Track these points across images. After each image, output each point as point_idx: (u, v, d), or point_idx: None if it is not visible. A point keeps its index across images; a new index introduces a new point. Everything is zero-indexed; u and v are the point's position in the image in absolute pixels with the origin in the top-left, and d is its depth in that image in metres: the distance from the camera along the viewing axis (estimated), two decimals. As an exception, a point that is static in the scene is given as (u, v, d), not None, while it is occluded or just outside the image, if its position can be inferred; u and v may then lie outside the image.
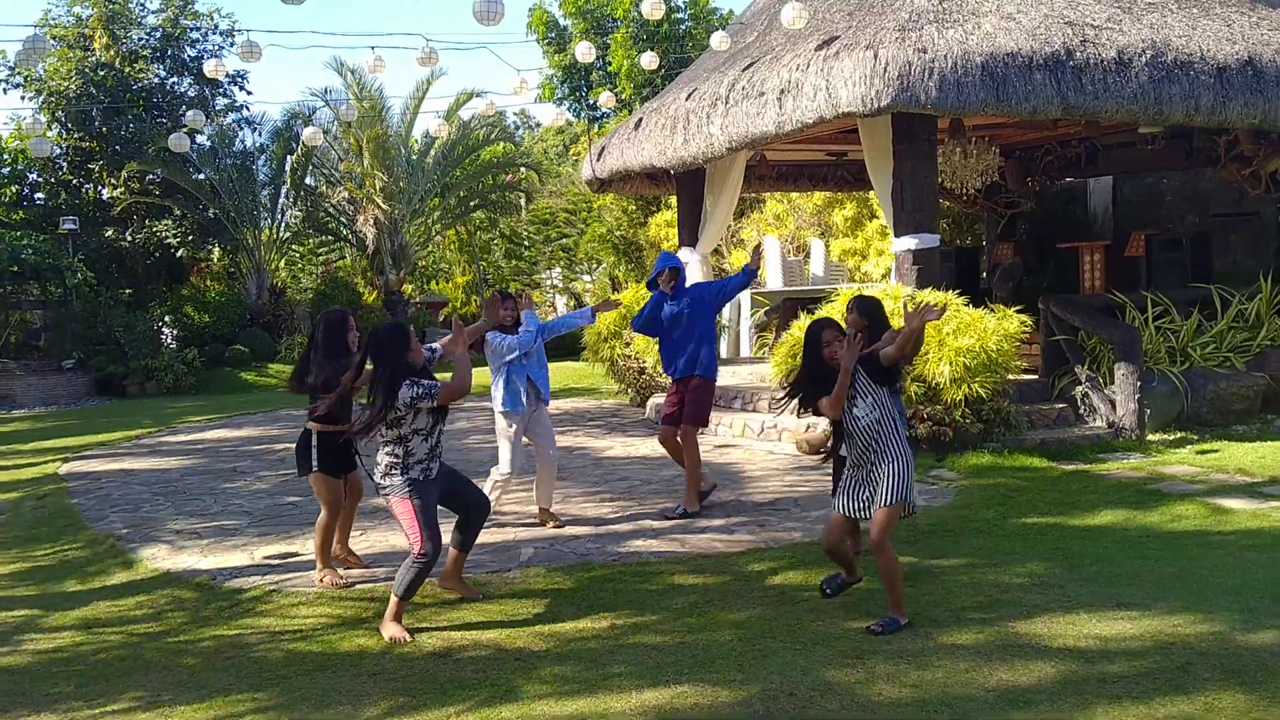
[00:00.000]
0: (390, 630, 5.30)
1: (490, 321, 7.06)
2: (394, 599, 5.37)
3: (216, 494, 9.20)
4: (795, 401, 5.36)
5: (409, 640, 5.23)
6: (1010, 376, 9.30)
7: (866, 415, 5.07)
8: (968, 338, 8.83)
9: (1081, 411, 10.26)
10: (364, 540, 7.20)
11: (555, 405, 14.49)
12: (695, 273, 12.67)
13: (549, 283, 29.93)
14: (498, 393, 7.26)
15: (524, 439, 7.40)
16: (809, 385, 5.20)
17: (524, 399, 7.24)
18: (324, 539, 6.30)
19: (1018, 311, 9.50)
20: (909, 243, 9.85)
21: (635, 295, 13.84)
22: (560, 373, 19.47)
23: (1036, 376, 10.72)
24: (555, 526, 7.41)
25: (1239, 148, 11.64)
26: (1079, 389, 10.29)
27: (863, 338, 5.47)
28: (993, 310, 9.41)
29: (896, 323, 6.22)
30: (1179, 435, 9.90)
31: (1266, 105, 9.93)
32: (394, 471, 5.38)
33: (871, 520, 5.10)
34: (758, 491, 8.29)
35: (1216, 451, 9.25)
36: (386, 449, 5.41)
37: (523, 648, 5.04)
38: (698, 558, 6.50)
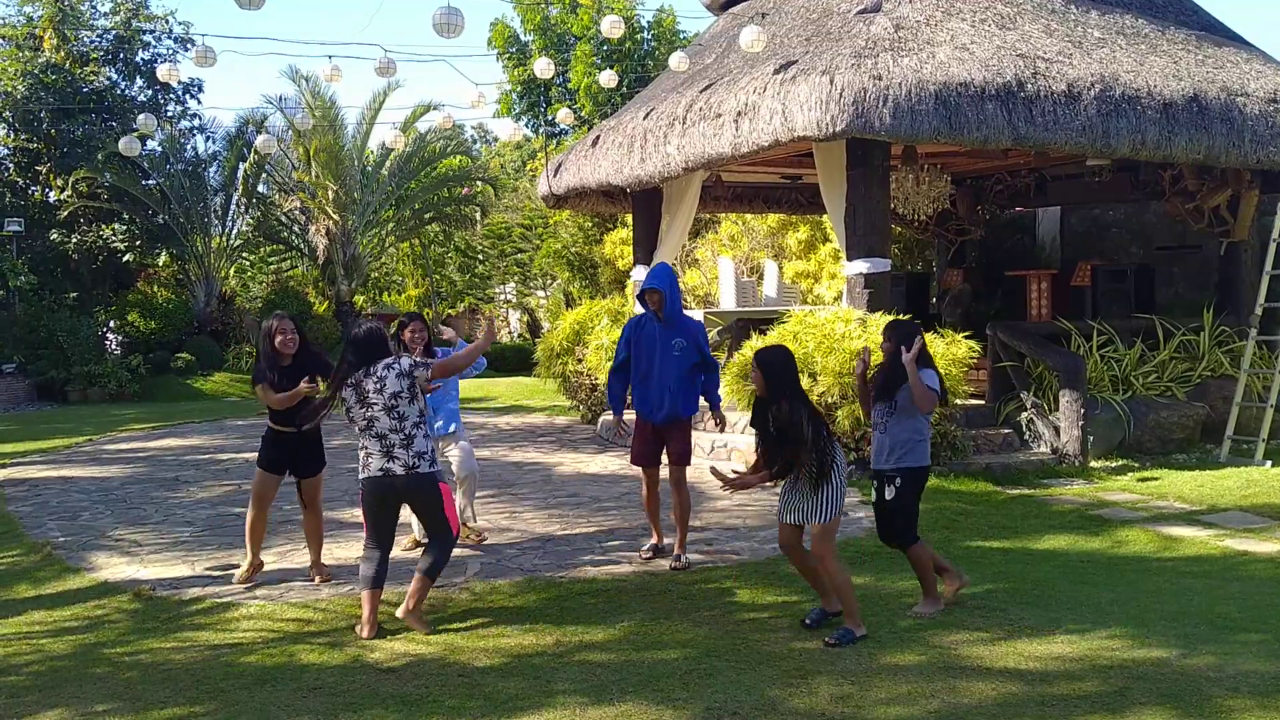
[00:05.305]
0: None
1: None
2: (428, 588, 5.64)
3: (158, 503, 9.04)
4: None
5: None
6: (958, 401, 9.41)
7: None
8: (917, 362, 8.91)
9: (1026, 437, 10.40)
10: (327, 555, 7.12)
11: (506, 420, 14.51)
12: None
13: (502, 298, 29.86)
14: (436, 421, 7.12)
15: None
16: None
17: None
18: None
19: (966, 337, 9.61)
20: (861, 266, 9.95)
21: (589, 311, 13.86)
22: (512, 388, 19.43)
23: (983, 401, 10.86)
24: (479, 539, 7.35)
25: (1183, 182, 11.90)
26: (1024, 415, 10.44)
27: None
28: (942, 335, 9.52)
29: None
30: (1121, 462, 10.06)
31: (1210, 141, 10.17)
32: (435, 457, 5.69)
33: (812, 534, 5.30)
34: (707, 510, 8.30)
35: (1157, 479, 9.41)
36: (421, 431, 5.56)
37: (467, 663, 5.00)
38: (645, 576, 6.50)
